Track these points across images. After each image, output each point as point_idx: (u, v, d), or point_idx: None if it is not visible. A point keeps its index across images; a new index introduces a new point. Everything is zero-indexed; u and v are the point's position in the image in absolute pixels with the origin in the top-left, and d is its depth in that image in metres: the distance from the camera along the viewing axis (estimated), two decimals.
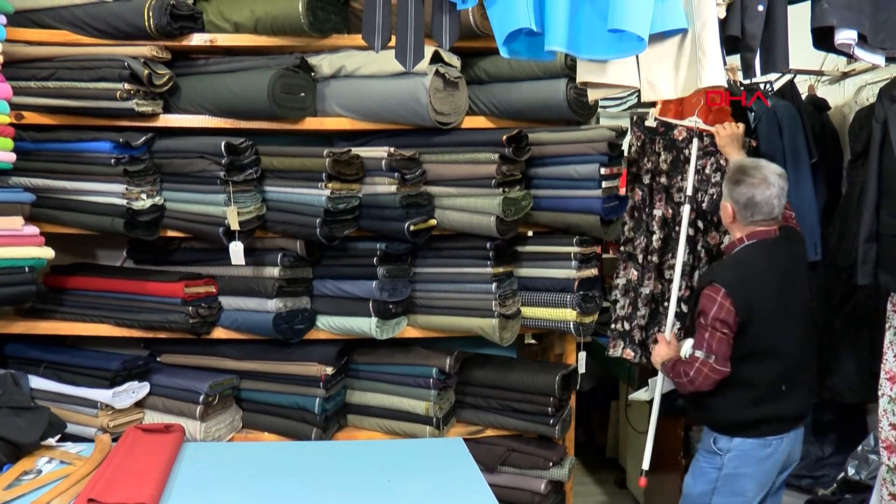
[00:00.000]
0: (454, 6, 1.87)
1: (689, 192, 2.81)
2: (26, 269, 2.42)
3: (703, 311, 2.30)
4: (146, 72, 2.51)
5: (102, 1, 2.57)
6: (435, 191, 2.66)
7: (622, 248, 3.17)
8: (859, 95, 3.09)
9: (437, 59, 2.48)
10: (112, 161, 2.53)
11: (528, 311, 2.74)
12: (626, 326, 3.12)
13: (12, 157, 2.44)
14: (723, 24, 2.26)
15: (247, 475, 2.04)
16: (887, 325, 2.62)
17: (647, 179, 3.05)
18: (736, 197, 2.36)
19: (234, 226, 2.50)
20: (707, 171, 2.88)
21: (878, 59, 2.38)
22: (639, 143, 3.06)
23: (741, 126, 2.71)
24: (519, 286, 2.76)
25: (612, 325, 3.16)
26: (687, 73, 2.27)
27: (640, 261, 3.08)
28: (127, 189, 2.55)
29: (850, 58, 2.45)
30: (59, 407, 2.53)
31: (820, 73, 3.16)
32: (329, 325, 2.73)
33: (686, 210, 2.83)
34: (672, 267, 2.94)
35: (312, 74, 2.64)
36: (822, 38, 2.37)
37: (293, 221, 2.57)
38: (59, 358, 2.69)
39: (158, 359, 2.83)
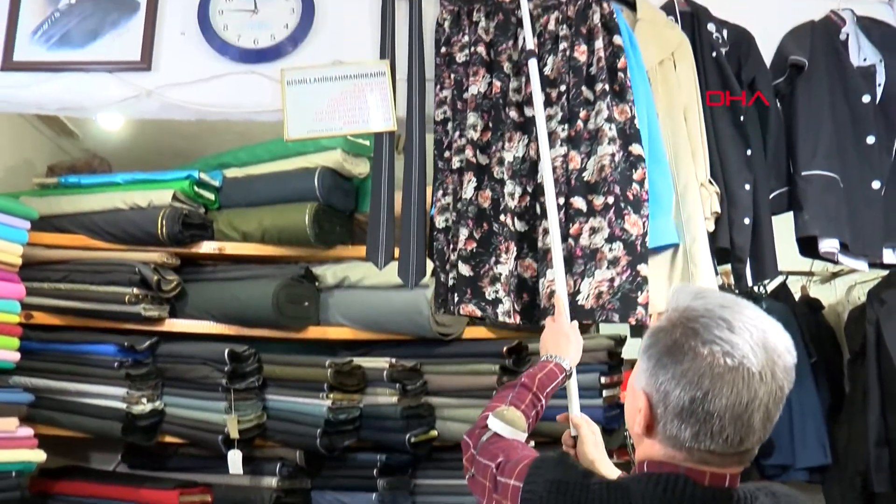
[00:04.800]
0: None
1: (529, 45, 2.03)
2: (13, 473, 2.36)
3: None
4: (156, 278, 2.58)
5: (120, 209, 2.70)
6: (436, 402, 2.66)
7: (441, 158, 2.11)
8: (850, 294, 3.16)
9: None
10: (116, 364, 2.55)
11: None
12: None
13: (16, 356, 2.46)
14: (712, 236, 2.34)
15: None
16: None
17: (461, 57, 2.15)
18: (661, 385, 1.05)
19: (234, 434, 2.48)
20: (551, 27, 2.11)
21: (862, 265, 2.45)
22: (450, 18, 2.20)
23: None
24: None
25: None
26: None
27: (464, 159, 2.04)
28: (128, 393, 2.55)
29: (836, 263, 2.53)
30: None
31: (810, 274, 3.24)
32: None
33: (532, 65, 1.99)
34: (503, 162, 2.01)
35: (317, 284, 2.71)
36: (808, 246, 2.46)
37: (293, 431, 2.55)
38: None
39: None
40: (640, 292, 1.89)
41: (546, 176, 1.88)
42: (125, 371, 2.54)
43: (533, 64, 2.01)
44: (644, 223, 1.94)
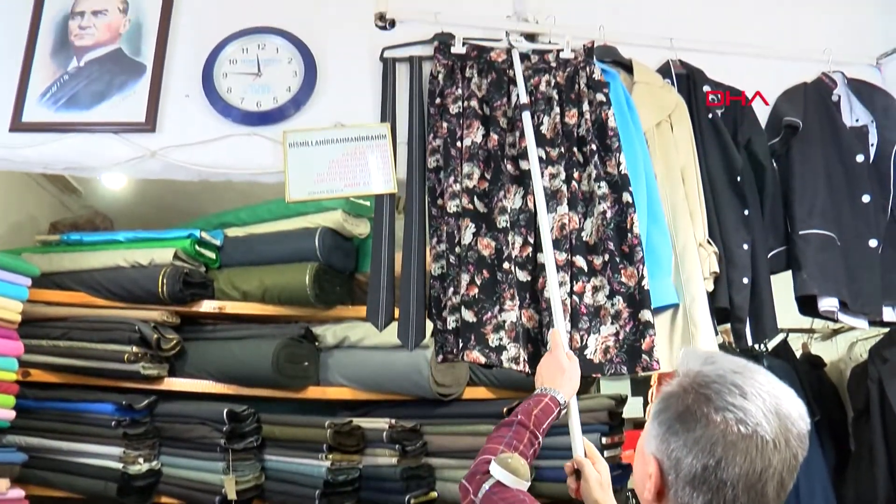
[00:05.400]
0: None
1: (524, 100, 2.11)
2: None
3: None
4: (155, 336, 2.58)
5: (121, 267, 2.70)
6: (436, 462, 2.64)
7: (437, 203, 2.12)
8: (852, 351, 3.14)
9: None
10: (113, 423, 2.53)
11: None
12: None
13: (11, 414, 2.42)
14: (711, 296, 2.34)
15: None
16: None
17: (455, 108, 2.17)
18: (672, 451, 1.04)
19: (232, 495, 2.45)
20: (543, 88, 2.18)
21: (862, 323, 2.44)
22: (444, 71, 2.23)
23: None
24: None
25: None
26: (681, 347, 2.31)
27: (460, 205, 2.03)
28: (125, 452, 2.53)
29: (836, 322, 2.52)
30: None
31: (811, 331, 3.23)
32: None
33: (526, 118, 2.07)
34: (505, 212, 2.02)
35: (317, 344, 2.71)
36: (807, 305, 2.46)
37: (292, 492, 2.52)
38: None
39: None
40: (643, 339, 1.92)
41: (541, 214, 1.93)
42: (122, 430, 2.52)
43: (527, 117, 2.07)
44: (639, 269, 1.98)
